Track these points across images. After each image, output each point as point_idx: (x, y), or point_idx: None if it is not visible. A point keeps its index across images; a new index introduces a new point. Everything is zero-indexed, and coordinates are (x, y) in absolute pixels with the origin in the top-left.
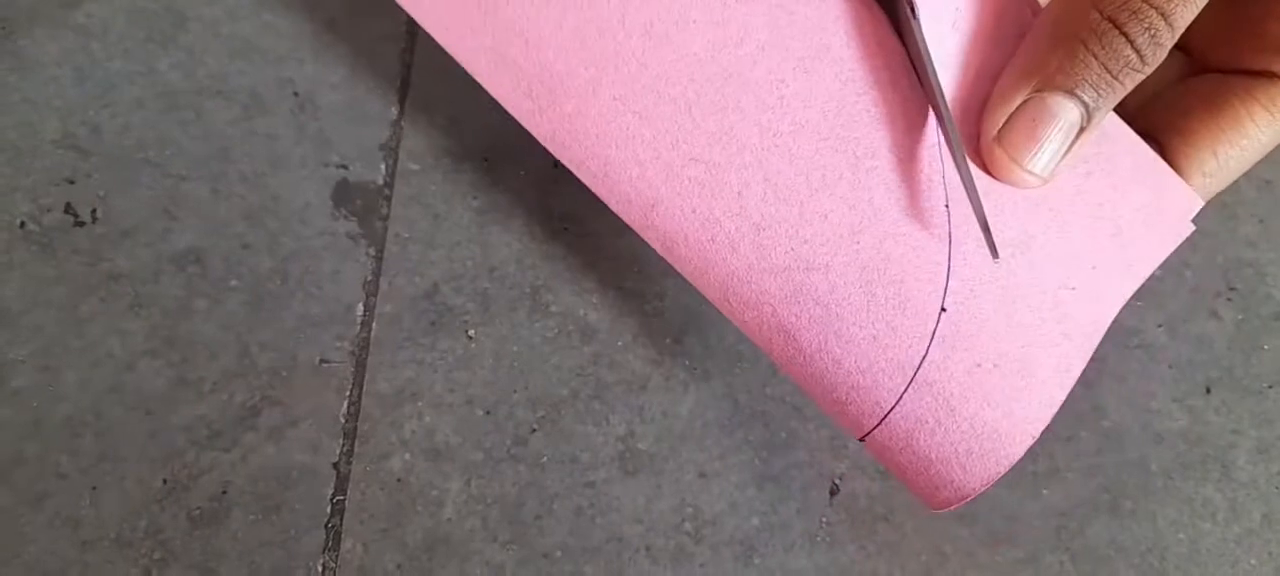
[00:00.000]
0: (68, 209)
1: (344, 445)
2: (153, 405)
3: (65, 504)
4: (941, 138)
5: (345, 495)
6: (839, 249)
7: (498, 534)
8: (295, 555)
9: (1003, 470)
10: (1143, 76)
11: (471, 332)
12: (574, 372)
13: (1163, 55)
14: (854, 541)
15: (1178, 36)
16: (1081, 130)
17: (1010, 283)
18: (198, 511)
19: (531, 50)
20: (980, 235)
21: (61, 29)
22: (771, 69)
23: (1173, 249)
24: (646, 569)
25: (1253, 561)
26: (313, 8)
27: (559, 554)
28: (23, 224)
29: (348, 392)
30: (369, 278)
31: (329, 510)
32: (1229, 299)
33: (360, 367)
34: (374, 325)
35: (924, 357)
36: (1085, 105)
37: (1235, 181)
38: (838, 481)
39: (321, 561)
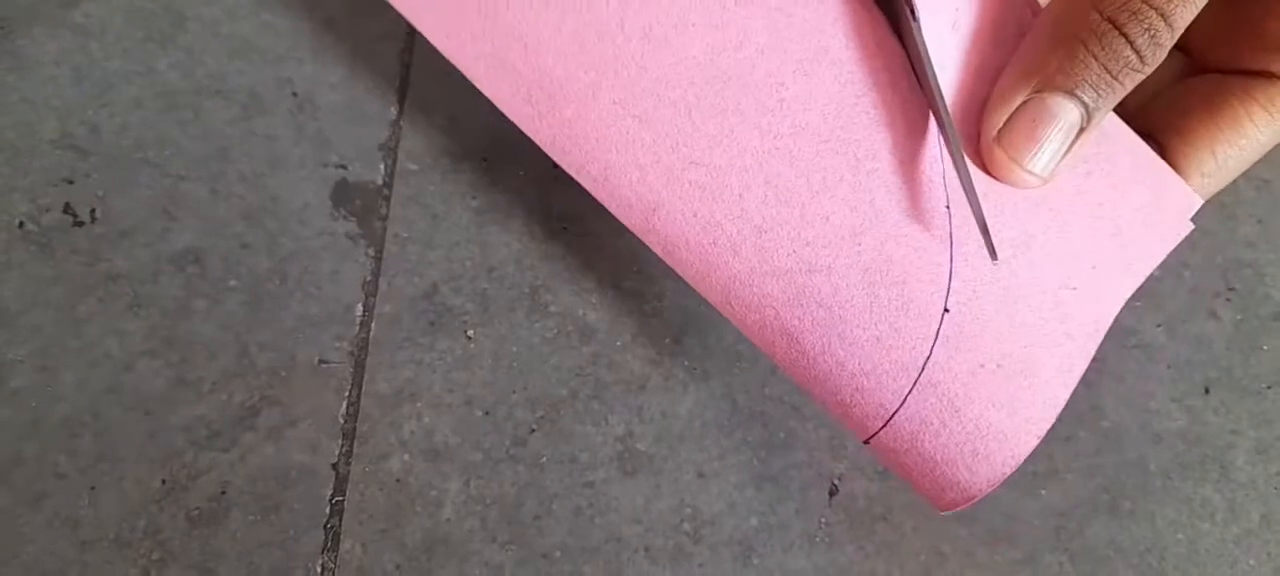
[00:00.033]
0: (66, 209)
1: (343, 445)
2: (151, 405)
3: (64, 504)
4: (941, 139)
5: (344, 495)
6: (841, 251)
7: (497, 534)
8: (294, 555)
9: (1009, 470)
10: (1142, 77)
11: (470, 333)
12: (573, 373)
13: (1162, 56)
14: (853, 542)
15: (1177, 37)
16: (1081, 130)
17: (1012, 283)
18: (196, 511)
19: (530, 55)
20: (981, 236)
21: (60, 28)
22: (771, 72)
23: (1172, 248)
24: (645, 569)
25: (1251, 562)
26: (311, 8)
27: (558, 554)
28: (21, 224)
29: (347, 393)
30: (368, 278)
31: (328, 510)
32: (1228, 299)
33: (359, 368)
34: (373, 325)
35: (928, 359)
36: (1085, 105)
37: (1234, 182)
38: (836, 482)
39: (320, 562)
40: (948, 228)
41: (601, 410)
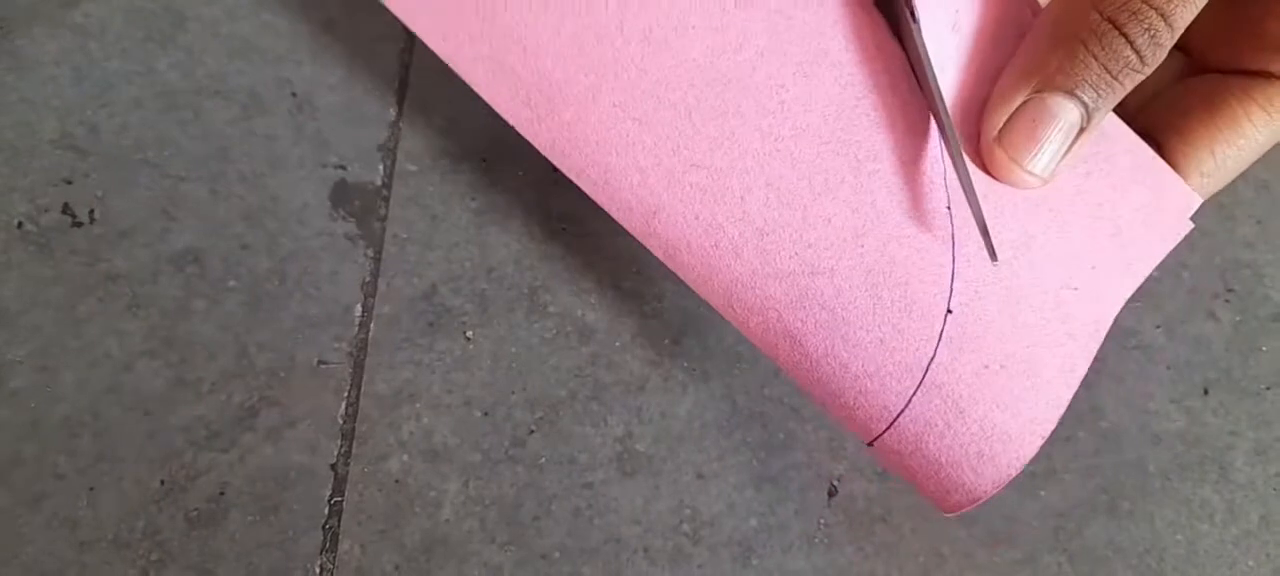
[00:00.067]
0: (65, 209)
1: (342, 446)
2: (151, 406)
3: (63, 504)
4: (941, 141)
5: (343, 496)
6: (843, 253)
7: (496, 535)
8: (293, 556)
9: (1014, 471)
10: (1142, 77)
11: (469, 333)
12: (572, 373)
13: (1162, 56)
14: (852, 542)
15: (1177, 37)
16: (1081, 130)
17: (1013, 283)
18: (195, 512)
19: (529, 58)
20: (981, 237)
21: (59, 28)
22: (771, 74)
23: (1172, 247)
24: (644, 569)
25: (1250, 563)
26: (311, 8)
27: (557, 555)
28: (20, 224)
29: (346, 393)
30: (367, 278)
31: (327, 511)
32: (1227, 300)
33: (358, 368)
34: (372, 326)
35: (932, 360)
36: (1085, 106)
37: (1233, 183)
38: (836, 482)
39: (319, 562)
40: (949, 229)
41: (600, 411)
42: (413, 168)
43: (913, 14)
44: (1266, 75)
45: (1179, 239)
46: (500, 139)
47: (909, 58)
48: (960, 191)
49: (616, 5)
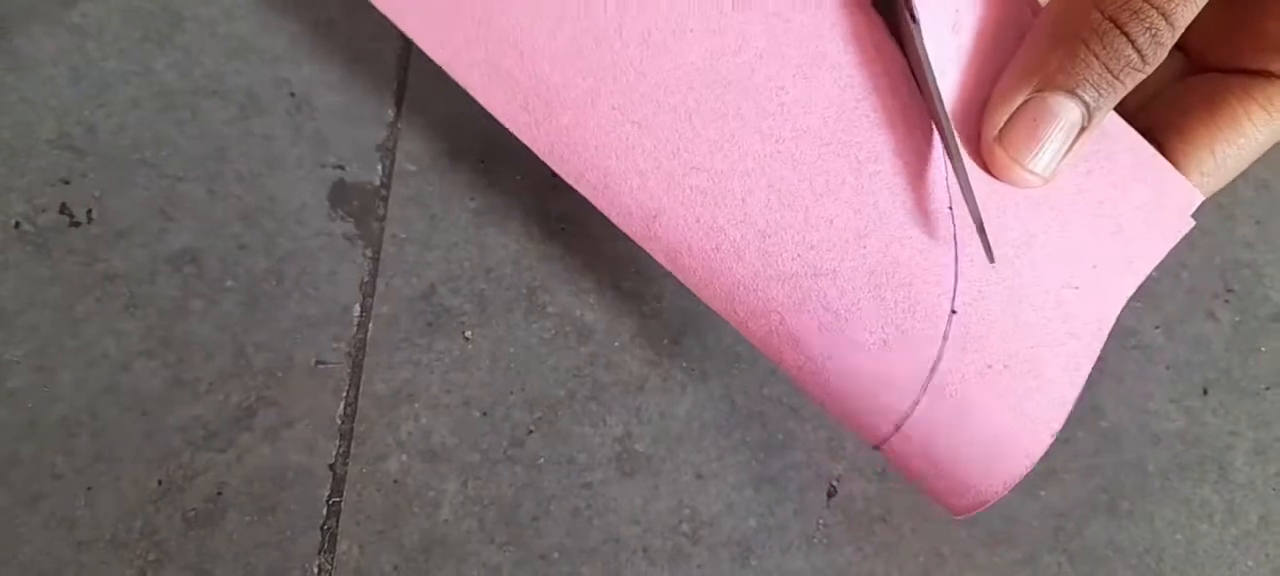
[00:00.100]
0: (63, 209)
1: (340, 446)
2: (148, 406)
3: (60, 504)
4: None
5: (341, 496)
6: (846, 254)
7: (495, 535)
8: (291, 556)
9: (1024, 471)
10: (1143, 76)
11: (468, 334)
12: (571, 373)
13: (1164, 55)
14: (851, 542)
15: (1178, 36)
16: (1082, 130)
17: (1016, 283)
18: (193, 512)
19: (527, 62)
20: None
21: (57, 28)
22: (770, 76)
23: (1173, 244)
24: (644, 570)
25: (1250, 563)
26: (309, 8)
27: (556, 555)
28: (18, 224)
29: (344, 393)
30: (366, 278)
31: (325, 511)
32: (1226, 300)
33: (357, 368)
34: (370, 326)
35: (937, 360)
36: (1086, 105)
37: (1232, 183)
38: (835, 482)
39: (317, 563)
40: (951, 229)
41: (599, 411)
42: (411, 167)
43: (912, 15)
44: (1266, 74)
45: (1181, 236)
46: (499, 139)
47: (908, 59)
48: (968, 187)
49: (614, 9)
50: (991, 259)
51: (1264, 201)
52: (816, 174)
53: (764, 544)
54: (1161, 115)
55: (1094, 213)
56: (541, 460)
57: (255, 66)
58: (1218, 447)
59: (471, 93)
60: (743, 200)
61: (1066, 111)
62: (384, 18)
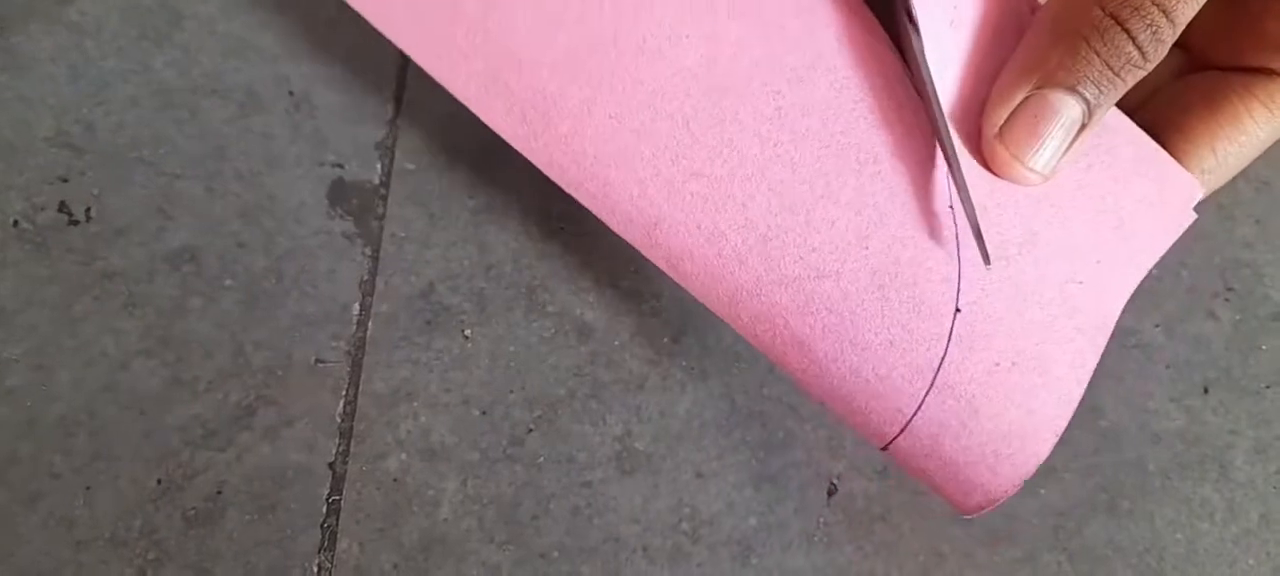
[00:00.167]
0: (62, 207)
1: (340, 445)
2: (147, 404)
3: (59, 504)
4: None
5: (341, 495)
6: (848, 255)
7: (494, 534)
8: (291, 555)
9: (1031, 469)
10: (1144, 73)
11: (468, 332)
12: (571, 372)
13: (1164, 52)
14: (851, 541)
15: (1179, 33)
16: (1083, 126)
17: (1020, 280)
18: (193, 511)
19: (523, 73)
20: (989, 234)
21: (55, 26)
22: (767, 81)
23: (1176, 238)
24: (643, 568)
25: (1250, 561)
26: (309, 6)
27: (556, 554)
28: (16, 222)
29: (343, 392)
30: (365, 277)
31: (325, 510)
32: (1226, 299)
33: (356, 367)
34: (370, 324)
35: (943, 359)
36: (1087, 102)
37: (1233, 181)
38: (835, 481)
39: (317, 561)
40: (953, 227)
41: (599, 410)
42: (411, 166)
43: (911, 17)
44: (1267, 71)
45: (1182, 229)
46: (498, 138)
47: (906, 60)
48: (965, 189)
49: (610, 18)
50: (987, 262)
51: (1264, 200)
52: (816, 176)
53: (764, 542)
54: (1162, 112)
55: (1096, 208)
56: (541, 459)
57: (254, 65)
58: (1218, 446)
59: (468, 105)
60: (743, 205)
61: (1067, 108)
62: None
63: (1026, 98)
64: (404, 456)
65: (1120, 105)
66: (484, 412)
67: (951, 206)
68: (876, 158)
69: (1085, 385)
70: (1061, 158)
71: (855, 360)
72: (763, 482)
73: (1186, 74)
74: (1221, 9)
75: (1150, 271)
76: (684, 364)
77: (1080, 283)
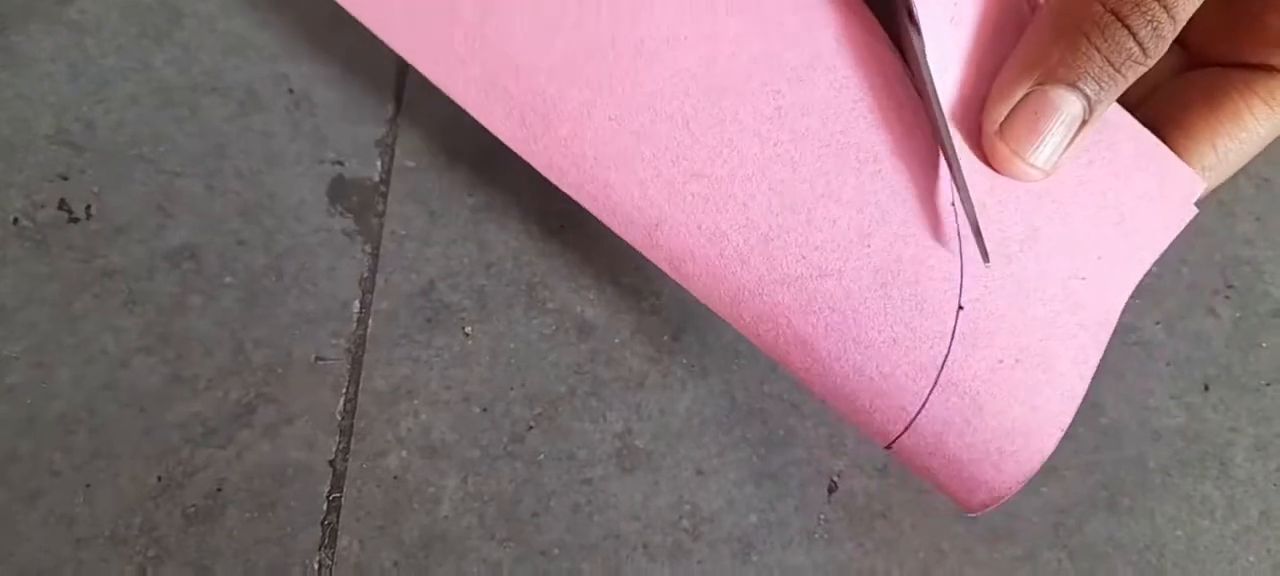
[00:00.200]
0: (62, 205)
1: (340, 442)
2: (147, 402)
3: (59, 501)
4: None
5: (341, 492)
6: (850, 254)
7: (495, 531)
8: (291, 552)
9: (1036, 466)
10: (1145, 69)
11: (468, 330)
12: (571, 370)
13: (1165, 48)
14: (852, 538)
15: (1179, 29)
16: (1083, 123)
17: (1022, 277)
18: (193, 509)
19: (521, 77)
20: (990, 231)
21: (55, 25)
22: (766, 80)
23: (1177, 233)
24: (644, 566)
25: (1250, 558)
26: (308, 4)
27: (556, 551)
28: (16, 220)
29: (344, 390)
30: (365, 274)
31: (325, 507)
32: (1227, 296)
33: (356, 365)
34: (370, 322)
35: (946, 357)
36: (1087, 98)
37: (1233, 178)
38: (836, 479)
39: (318, 559)
40: (955, 225)
41: (599, 407)
42: (411, 164)
43: (911, 16)
44: (1268, 68)
45: (1184, 225)
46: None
47: (906, 57)
48: (964, 188)
49: (608, 20)
50: (986, 260)
51: (1264, 198)
52: (817, 175)
53: (765, 540)
54: (1162, 109)
55: (1097, 203)
56: (541, 456)
57: (254, 63)
58: (1218, 444)
59: (468, 110)
60: (744, 205)
61: (1068, 105)
62: None
63: (1027, 94)
64: (404, 454)
65: (1121, 102)
66: (484, 410)
67: (953, 204)
68: (877, 156)
69: (1088, 381)
70: (1062, 154)
71: (858, 358)
72: (763, 480)
73: (1187, 70)
74: (1222, 5)
75: (1151, 268)
76: (684, 361)
77: (1082, 278)
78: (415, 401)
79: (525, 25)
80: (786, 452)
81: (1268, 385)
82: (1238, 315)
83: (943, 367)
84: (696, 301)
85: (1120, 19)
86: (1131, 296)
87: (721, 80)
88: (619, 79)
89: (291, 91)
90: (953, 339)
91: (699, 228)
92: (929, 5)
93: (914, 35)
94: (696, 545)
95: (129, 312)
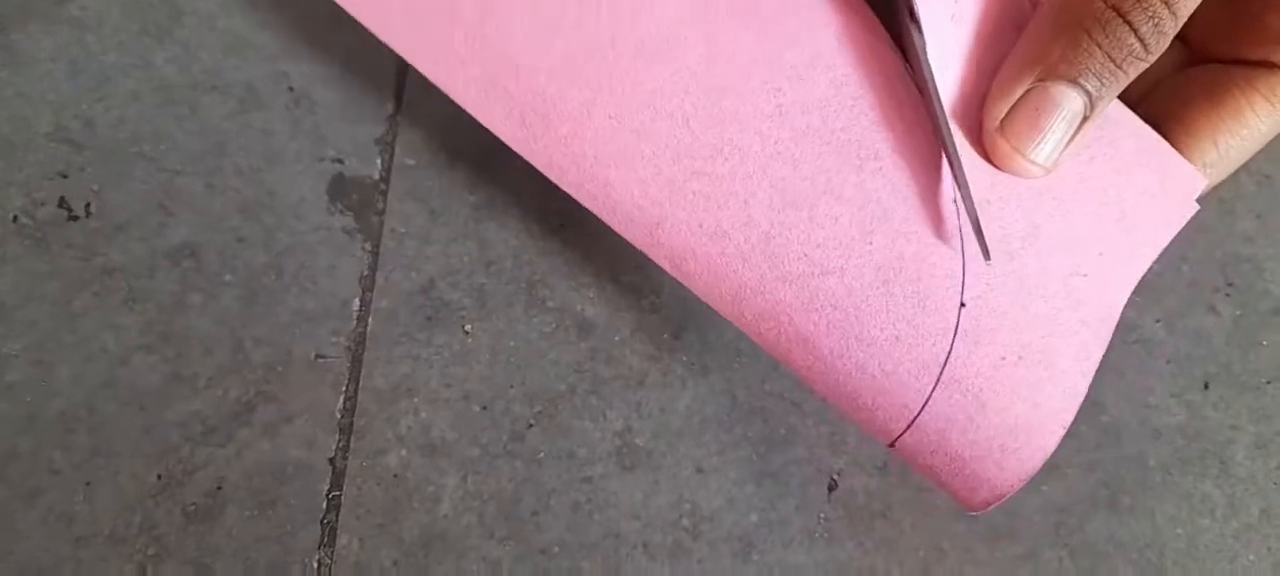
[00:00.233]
0: (61, 203)
1: (340, 441)
2: (147, 401)
3: (59, 500)
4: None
5: (341, 491)
6: (852, 251)
7: (494, 530)
8: (291, 551)
9: (1038, 464)
10: (1146, 65)
11: (468, 328)
12: (571, 368)
13: (1166, 44)
14: (852, 537)
15: (1181, 25)
16: (1084, 119)
17: (1024, 274)
18: (193, 507)
19: (522, 77)
20: (991, 228)
21: (55, 22)
22: (766, 79)
23: (1178, 229)
24: (644, 565)
25: (1251, 557)
26: (308, 2)
27: (556, 550)
28: (16, 218)
29: (343, 388)
30: (365, 273)
31: (325, 506)
32: (1227, 294)
33: (356, 363)
34: (370, 320)
35: (949, 354)
36: (1088, 94)
37: (1234, 176)
38: (836, 477)
39: (317, 557)
40: (957, 222)
41: (600, 405)
42: (411, 162)
43: (912, 13)
44: (1269, 65)
45: (1185, 221)
46: None
47: (907, 54)
48: (965, 185)
49: (608, 20)
50: (987, 257)
51: (1265, 195)
52: (818, 173)
53: (765, 539)
54: (1163, 106)
55: (1098, 200)
56: (541, 455)
57: (254, 61)
58: (1219, 442)
59: (468, 109)
60: (745, 203)
61: (1069, 101)
62: None
63: (1028, 90)
64: (404, 452)
65: (1122, 98)
66: (484, 408)
67: (955, 201)
68: (878, 154)
69: (1090, 378)
70: (1063, 150)
71: (861, 356)
72: (763, 478)
73: (1188, 67)
74: (1223, 2)
75: (1151, 265)
76: (685, 359)
77: (1084, 275)
78: (415, 399)
79: (525, 25)
80: (787, 451)
81: (1268, 383)
82: (1238, 313)
83: (945, 365)
84: (697, 299)
85: (1122, 15)
86: (1132, 294)
87: (722, 79)
88: (619, 78)
89: (292, 89)
90: (955, 336)
91: (700, 226)
92: (930, 2)
93: (915, 32)
94: (696, 544)
95: (129, 311)
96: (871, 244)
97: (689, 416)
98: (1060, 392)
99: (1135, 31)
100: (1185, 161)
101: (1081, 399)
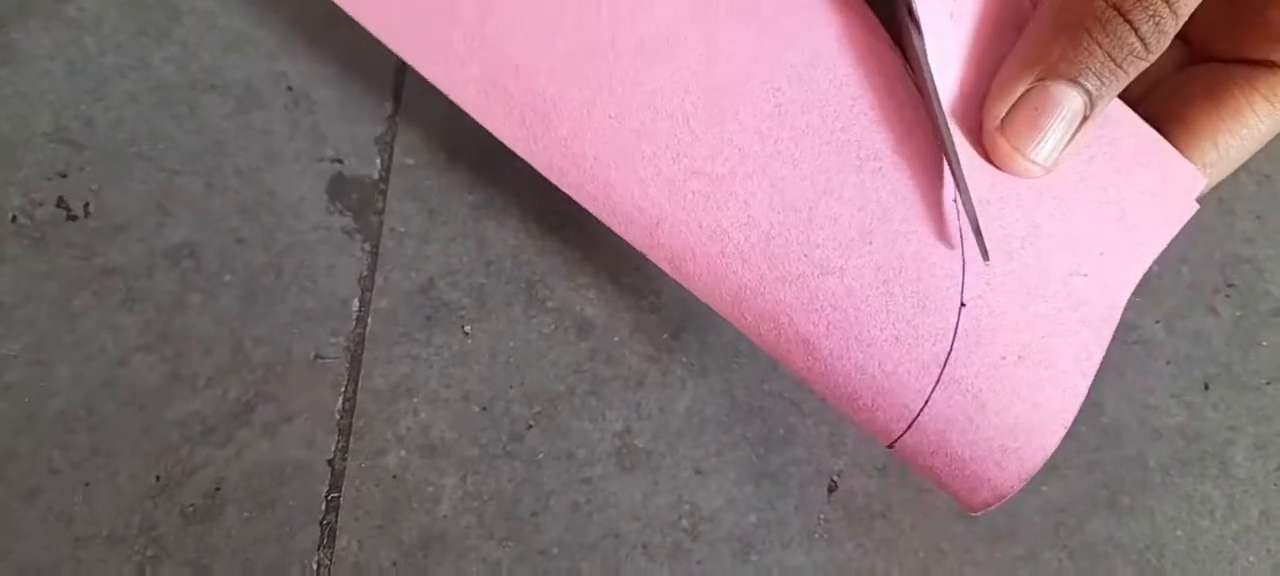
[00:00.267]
0: (60, 203)
1: (339, 441)
2: (146, 401)
3: (58, 500)
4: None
5: (340, 491)
6: (852, 252)
7: (494, 530)
8: (290, 551)
9: (1039, 464)
10: (1146, 64)
11: (467, 328)
12: (570, 368)
13: (1167, 43)
14: (851, 538)
15: (1181, 24)
16: (1085, 118)
17: (1024, 274)
18: (191, 507)
19: (521, 78)
20: (991, 228)
21: (54, 22)
22: (766, 79)
23: (1178, 228)
24: (643, 565)
25: (1250, 558)
26: (307, 2)
27: (555, 550)
28: (15, 218)
29: (343, 388)
30: (364, 272)
31: (324, 506)
32: (1227, 295)
33: (355, 363)
34: (369, 320)
35: (949, 354)
36: (1089, 93)
37: (1234, 176)
38: (836, 478)
39: (316, 558)
40: (957, 222)
41: (599, 406)
42: (410, 161)
43: (912, 13)
44: (1269, 64)
45: (1185, 220)
46: None
47: (906, 54)
48: (964, 185)
49: (608, 21)
50: (986, 258)
51: (1265, 196)
52: (818, 173)
53: (764, 539)
54: (1163, 105)
55: (1099, 199)
56: (541, 455)
57: (253, 60)
58: (1218, 443)
59: (468, 110)
60: (745, 203)
61: (1069, 100)
62: None
63: (1028, 90)
64: (403, 453)
65: (1122, 97)
66: (484, 409)
67: (955, 201)
68: (877, 154)
69: (1091, 378)
70: (1063, 150)
71: (861, 357)
72: (763, 479)
73: (1188, 66)
74: (1223, 1)
75: (1151, 265)
76: (684, 360)
77: (1084, 275)
78: (414, 400)
79: (525, 25)
80: (786, 452)
81: (1268, 384)
82: (1238, 314)
83: (945, 365)
84: (696, 300)
85: (1122, 14)
86: (1132, 294)
87: (721, 79)
88: (619, 78)
89: (290, 89)
90: (955, 336)
91: (700, 226)
92: (929, 2)
93: (914, 32)
94: (696, 545)
95: (128, 311)
96: (871, 244)
97: (688, 417)
98: (1060, 393)
99: (1136, 30)
100: (1185, 161)
101: (1082, 399)
